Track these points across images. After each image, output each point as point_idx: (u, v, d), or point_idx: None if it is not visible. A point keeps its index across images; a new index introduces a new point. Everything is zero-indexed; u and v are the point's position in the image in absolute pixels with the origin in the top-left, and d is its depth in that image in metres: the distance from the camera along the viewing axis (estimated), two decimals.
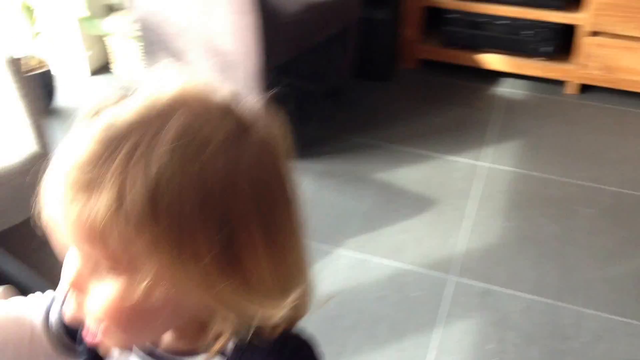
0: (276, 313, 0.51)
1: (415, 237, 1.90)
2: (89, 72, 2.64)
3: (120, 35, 2.52)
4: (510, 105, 2.57)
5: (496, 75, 2.72)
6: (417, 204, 2.03)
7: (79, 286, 0.50)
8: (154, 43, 2.16)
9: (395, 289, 1.73)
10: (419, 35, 2.77)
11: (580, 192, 2.08)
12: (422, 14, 2.72)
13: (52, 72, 2.38)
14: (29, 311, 0.67)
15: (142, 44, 2.22)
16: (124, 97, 0.51)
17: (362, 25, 2.51)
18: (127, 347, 0.58)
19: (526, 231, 1.93)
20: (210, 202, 0.47)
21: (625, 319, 1.63)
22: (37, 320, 0.67)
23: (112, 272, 0.48)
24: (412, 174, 2.16)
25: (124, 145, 0.46)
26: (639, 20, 2.42)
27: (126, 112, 0.48)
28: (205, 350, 0.54)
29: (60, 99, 2.45)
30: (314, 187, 2.08)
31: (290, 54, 2.15)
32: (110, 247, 0.46)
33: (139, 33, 2.22)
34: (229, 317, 0.51)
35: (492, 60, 2.68)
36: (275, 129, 0.55)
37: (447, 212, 1.99)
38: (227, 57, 2.00)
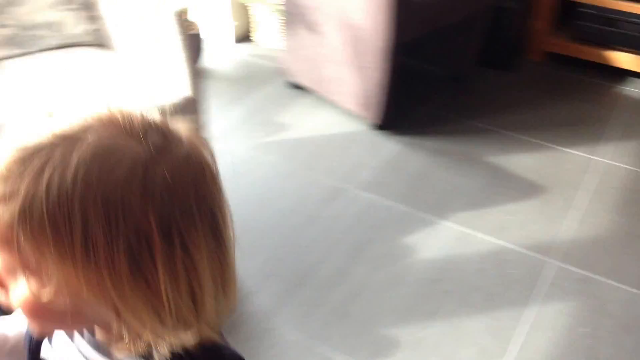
0: (174, 336, 0.55)
1: (520, 219, 1.97)
2: (233, 40, 2.88)
3: (265, 5, 2.73)
4: (636, 106, 2.55)
5: (625, 75, 2.69)
6: (525, 189, 2.09)
7: (0, 282, 0.56)
8: (294, 15, 2.34)
9: (494, 264, 1.81)
10: (549, 28, 2.78)
11: None
12: (555, 6, 2.73)
13: (201, 36, 2.62)
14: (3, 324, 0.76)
15: (283, 16, 2.41)
16: (42, 120, 0.55)
17: (492, 13, 2.57)
18: (49, 335, 0.67)
19: (636, 229, 1.94)
20: (113, 218, 0.50)
21: None
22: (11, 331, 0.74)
23: (24, 274, 0.53)
24: (524, 161, 2.22)
25: (35, 162, 0.50)
26: None
27: (40, 134, 0.52)
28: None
29: (206, 61, 2.70)
30: (425, 162, 2.19)
31: (418, 34, 2.25)
32: (20, 251, 0.51)
33: (282, 5, 2.41)
34: (138, 328, 0.54)
35: (623, 59, 2.65)
36: (199, 152, 0.56)
37: (555, 201, 2.04)
38: (358, 32, 2.14)
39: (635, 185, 2.12)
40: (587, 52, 2.72)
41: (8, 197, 0.50)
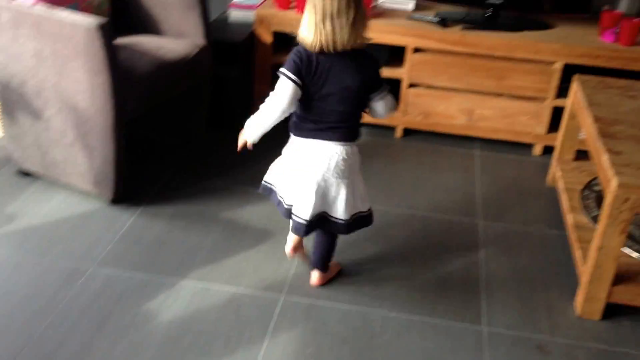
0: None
1: (254, 265, 2.17)
2: None
3: None
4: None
5: None
6: (258, 236, 2.31)
7: None
8: (13, 102, 2.35)
9: (232, 310, 1.97)
10: (269, 89, 3.09)
11: (397, 219, 2.44)
12: (271, 70, 3.07)
13: None
14: None
15: (2, 104, 2.41)
16: None
17: (215, 81, 2.82)
18: None
19: (347, 254, 2.24)
20: None
21: (427, 318, 1.96)
22: None
23: None
24: (256, 211, 2.44)
25: None
26: (447, 74, 2.87)
27: None
28: None
29: None
30: (164, 228, 2.31)
31: (143, 109, 2.40)
32: None
33: None
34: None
35: None
36: None
37: (283, 243, 2.27)
38: (81, 113, 2.22)
39: None
40: None
41: None
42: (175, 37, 2.65)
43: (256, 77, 3.09)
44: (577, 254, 2.06)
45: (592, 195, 2.37)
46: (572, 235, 2.16)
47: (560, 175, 2.52)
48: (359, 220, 1.94)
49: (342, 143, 1.82)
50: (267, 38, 2.98)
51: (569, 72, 2.76)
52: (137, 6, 2.67)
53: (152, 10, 2.66)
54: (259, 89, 3.10)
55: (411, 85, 2.94)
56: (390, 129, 3.07)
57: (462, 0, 3.02)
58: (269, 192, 2.01)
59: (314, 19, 1.70)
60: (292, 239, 2.09)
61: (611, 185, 1.76)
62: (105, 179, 2.33)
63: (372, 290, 2.09)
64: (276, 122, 1.84)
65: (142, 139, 2.86)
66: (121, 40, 2.50)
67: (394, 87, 2.98)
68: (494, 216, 2.49)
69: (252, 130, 1.89)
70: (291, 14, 2.96)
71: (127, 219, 2.34)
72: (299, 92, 1.77)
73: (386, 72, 2.92)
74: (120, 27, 2.63)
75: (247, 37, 2.98)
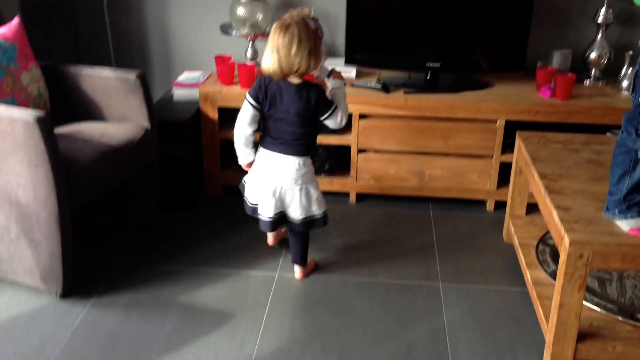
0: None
1: (214, 350, 2.09)
2: None
3: None
4: None
5: None
6: (216, 319, 2.24)
7: None
8: None
9: None
10: (219, 165, 3.09)
11: (356, 288, 2.41)
12: (220, 146, 3.05)
13: None
14: None
15: None
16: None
17: (164, 161, 2.79)
18: None
19: (310, 329, 2.19)
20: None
21: None
22: None
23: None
24: (214, 293, 2.38)
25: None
26: (394, 137, 2.91)
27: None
28: None
29: None
30: (118, 318, 2.22)
31: (90, 197, 2.34)
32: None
33: None
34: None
35: None
36: None
37: (244, 324, 2.21)
38: (25, 208, 2.15)
39: (306, 289, 2.42)
40: None
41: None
42: (119, 122, 2.62)
43: (205, 154, 3.07)
44: (539, 312, 2.06)
45: (547, 249, 2.39)
46: (532, 293, 2.17)
47: (514, 231, 2.55)
48: (313, 222, 2.33)
49: (296, 157, 2.23)
50: (212, 114, 2.98)
51: (511, 127, 2.83)
52: (78, 93, 2.64)
53: (93, 96, 2.63)
54: (208, 165, 3.08)
55: (360, 151, 2.96)
56: (344, 194, 3.08)
57: (402, 65, 3.09)
58: (243, 189, 2.44)
59: (269, 50, 2.12)
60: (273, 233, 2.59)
61: (564, 242, 1.78)
62: (53, 273, 2.24)
63: None
64: (245, 140, 2.30)
65: (91, 224, 2.78)
66: (62, 129, 2.45)
67: (343, 153, 3.03)
68: (455, 277, 2.48)
69: (237, 154, 2.36)
70: (235, 89, 2.98)
71: (79, 312, 2.24)
72: (257, 114, 2.24)
73: (335, 140, 2.96)
74: (61, 115, 2.59)
75: (193, 115, 2.97)
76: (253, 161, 2.34)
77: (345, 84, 2.33)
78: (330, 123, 2.25)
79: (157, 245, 2.69)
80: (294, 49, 2.07)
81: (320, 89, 2.20)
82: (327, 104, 2.21)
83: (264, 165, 2.29)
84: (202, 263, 2.56)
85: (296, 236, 2.41)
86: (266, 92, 2.19)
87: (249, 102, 2.23)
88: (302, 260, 2.46)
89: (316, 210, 2.31)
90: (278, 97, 2.18)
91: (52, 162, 2.07)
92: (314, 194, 2.30)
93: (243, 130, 2.28)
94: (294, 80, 2.16)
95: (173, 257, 2.60)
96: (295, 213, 2.29)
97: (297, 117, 2.18)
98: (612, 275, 2.25)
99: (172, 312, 2.27)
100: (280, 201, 2.28)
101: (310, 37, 2.10)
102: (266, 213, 2.29)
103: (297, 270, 2.47)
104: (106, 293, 2.36)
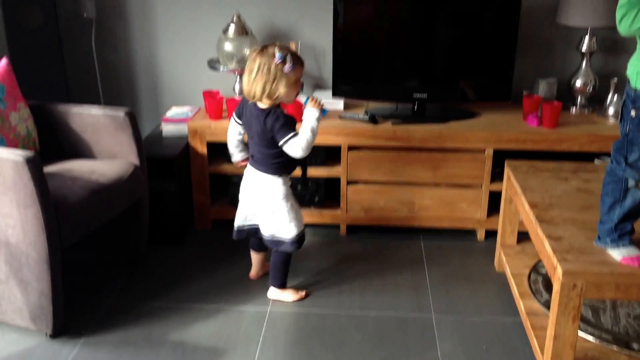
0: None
1: None
2: None
3: None
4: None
5: None
6: (209, 357, 2.21)
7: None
8: None
9: None
10: (209, 200, 3.08)
11: (349, 322, 2.39)
12: (209, 181, 3.05)
13: None
14: None
15: None
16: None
17: (154, 197, 2.77)
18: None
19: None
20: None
21: None
22: None
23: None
24: (205, 329, 2.35)
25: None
26: (383, 168, 2.92)
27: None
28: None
29: None
30: (109, 358, 2.19)
31: (80, 235, 2.31)
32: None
33: None
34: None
35: None
36: None
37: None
38: (13, 248, 2.13)
39: (299, 324, 2.39)
40: None
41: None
42: (108, 159, 2.61)
43: (194, 188, 3.06)
44: (534, 343, 2.05)
45: (539, 278, 2.40)
46: (527, 323, 2.16)
47: (505, 260, 2.55)
48: (279, 243, 2.44)
49: (265, 174, 2.38)
50: (202, 149, 2.98)
51: (499, 156, 2.85)
52: (67, 131, 2.63)
53: (83, 134, 2.62)
54: (198, 199, 3.07)
55: (350, 183, 2.97)
56: (334, 226, 3.07)
57: (389, 96, 3.12)
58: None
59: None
60: (254, 264, 2.69)
61: (557, 273, 1.78)
62: (42, 313, 2.21)
63: None
64: (235, 143, 2.54)
65: (81, 262, 2.76)
66: (52, 167, 2.44)
67: (333, 185, 3.03)
68: (448, 309, 2.47)
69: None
70: (224, 123, 2.97)
71: (69, 353, 2.21)
72: (238, 128, 2.48)
73: (324, 172, 2.96)
74: (51, 154, 2.58)
75: (182, 150, 2.97)
76: (246, 159, 2.53)
77: (319, 113, 2.33)
78: (287, 150, 2.31)
79: (147, 282, 2.66)
80: (252, 77, 2.25)
81: (281, 116, 2.29)
82: (284, 133, 2.28)
83: (245, 178, 2.48)
84: (193, 299, 2.53)
85: (274, 256, 2.51)
86: (244, 111, 2.41)
87: (233, 117, 2.48)
88: (273, 280, 2.53)
89: (283, 231, 2.41)
90: (250, 117, 2.36)
91: (41, 203, 2.06)
92: (283, 215, 2.39)
93: (230, 138, 2.54)
94: (261, 104, 2.32)
95: (163, 293, 2.58)
96: (263, 229, 2.45)
97: (259, 139, 2.34)
98: (605, 304, 2.25)
99: (164, 351, 2.24)
100: (252, 214, 2.46)
101: (270, 69, 2.23)
102: (235, 222, 2.50)
103: (270, 290, 2.55)
104: (96, 332, 2.33)
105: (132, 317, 2.42)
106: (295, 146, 2.28)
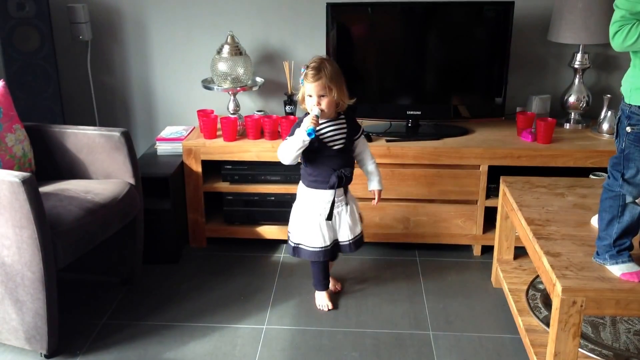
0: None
1: None
2: None
3: None
4: (288, 269, 2.90)
5: (275, 244, 3.06)
6: None
7: (319, 102, 2.34)
8: None
9: None
10: (203, 218, 3.07)
11: (345, 339, 2.38)
12: (203, 199, 3.04)
13: None
14: None
15: None
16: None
17: (149, 216, 2.76)
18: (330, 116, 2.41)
19: None
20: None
21: None
22: None
23: (328, 96, 2.34)
24: (201, 347, 2.33)
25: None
26: None
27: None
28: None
29: None
30: None
31: (75, 256, 2.29)
32: (327, 87, 2.33)
33: None
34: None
35: (268, 231, 3.04)
36: None
37: None
38: (10, 268, 2.11)
39: (295, 341, 2.38)
40: (240, 232, 3.06)
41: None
42: (104, 179, 2.60)
43: (189, 207, 3.05)
44: None
45: (537, 294, 2.39)
46: (526, 340, 2.15)
47: (503, 276, 2.55)
48: (293, 248, 2.56)
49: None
50: (196, 168, 2.98)
51: (494, 171, 2.86)
52: (62, 152, 2.62)
53: (78, 154, 2.62)
54: (193, 218, 3.06)
55: None
56: None
57: (383, 114, 3.13)
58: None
59: None
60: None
61: (556, 289, 1.78)
62: (37, 334, 2.18)
63: None
64: None
65: (76, 282, 2.73)
66: (48, 188, 2.43)
67: None
68: (445, 325, 2.46)
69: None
70: (219, 142, 2.98)
71: None
72: None
73: None
74: (46, 174, 2.57)
75: (177, 169, 2.96)
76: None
77: (304, 132, 2.30)
78: None
79: (142, 301, 2.64)
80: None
81: (296, 123, 2.45)
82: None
83: None
84: (188, 318, 2.51)
85: None
86: None
87: None
88: (315, 284, 2.65)
89: (291, 236, 2.56)
90: None
91: (37, 223, 2.05)
92: (293, 220, 2.55)
93: None
94: None
95: (158, 312, 2.56)
96: None
97: None
98: (605, 320, 2.25)
99: None
100: None
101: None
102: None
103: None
104: (91, 352, 2.31)
105: (127, 337, 2.40)
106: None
